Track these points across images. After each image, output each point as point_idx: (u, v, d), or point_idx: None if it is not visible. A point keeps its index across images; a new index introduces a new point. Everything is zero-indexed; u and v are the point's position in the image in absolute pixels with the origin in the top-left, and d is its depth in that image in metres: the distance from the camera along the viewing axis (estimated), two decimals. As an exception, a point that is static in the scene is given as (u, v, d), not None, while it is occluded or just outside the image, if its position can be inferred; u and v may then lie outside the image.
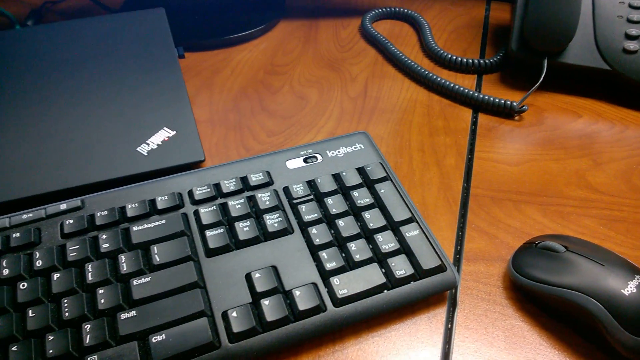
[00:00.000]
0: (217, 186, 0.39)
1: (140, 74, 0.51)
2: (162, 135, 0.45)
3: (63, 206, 0.37)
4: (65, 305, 0.32)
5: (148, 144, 0.44)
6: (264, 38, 0.63)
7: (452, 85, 0.53)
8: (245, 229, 0.36)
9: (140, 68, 0.51)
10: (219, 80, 0.56)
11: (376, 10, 0.66)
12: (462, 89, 0.52)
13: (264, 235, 0.36)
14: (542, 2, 0.50)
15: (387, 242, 0.36)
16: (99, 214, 0.36)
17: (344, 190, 0.39)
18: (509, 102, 0.50)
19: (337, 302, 0.33)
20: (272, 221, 0.37)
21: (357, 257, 0.35)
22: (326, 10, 0.69)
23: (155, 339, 0.30)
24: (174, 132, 0.45)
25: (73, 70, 0.51)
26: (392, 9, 0.66)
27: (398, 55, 0.57)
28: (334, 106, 0.53)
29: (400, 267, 0.34)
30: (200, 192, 0.38)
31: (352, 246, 0.35)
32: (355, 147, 0.42)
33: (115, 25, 0.57)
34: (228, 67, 0.58)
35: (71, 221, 0.36)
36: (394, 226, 0.37)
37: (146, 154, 0.44)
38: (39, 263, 0.34)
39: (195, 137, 0.45)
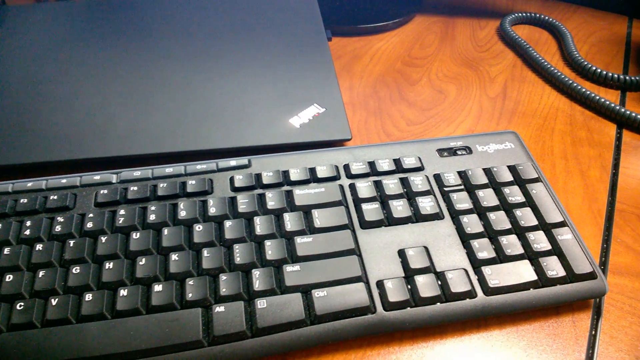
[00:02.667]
0: (371, 164, 0.40)
1: (292, 51, 0.53)
2: (313, 110, 0.48)
3: (232, 162, 0.40)
4: (237, 251, 0.35)
5: (300, 117, 0.47)
6: (401, 30, 0.65)
7: (598, 97, 0.52)
8: (398, 208, 0.38)
9: (292, 45, 0.54)
10: (358, 66, 0.58)
11: (516, 14, 0.66)
12: (608, 102, 0.51)
13: (416, 217, 0.38)
14: None
15: (539, 241, 0.36)
16: (265, 174, 0.39)
17: (494, 185, 0.40)
18: (660, 122, 0.49)
19: (488, 290, 0.34)
20: (424, 204, 0.38)
21: (509, 252, 0.35)
22: (463, 8, 0.69)
23: (317, 294, 0.33)
24: (324, 109, 0.48)
25: (220, 39, 0.55)
26: (534, 14, 0.65)
27: (540, 61, 0.57)
28: (473, 104, 0.53)
29: (552, 267, 0.35)
30: (356, 168, 0.40)
31: (504, 240, 0.36)
32: (505, 145, 0.43)
33: (264, 2, 0.60)
34: (367, 55, 0.60)
35: (241, 177, 0.39)
36: (545, 227, 0.37)
37: (298, 127, 0.46)
38: (212, 210, 0.37)
39: (343, 117, 0.47)
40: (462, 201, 0.38)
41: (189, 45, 0.53)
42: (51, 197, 0.37)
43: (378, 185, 0.39)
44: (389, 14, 0.65)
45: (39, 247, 0.35)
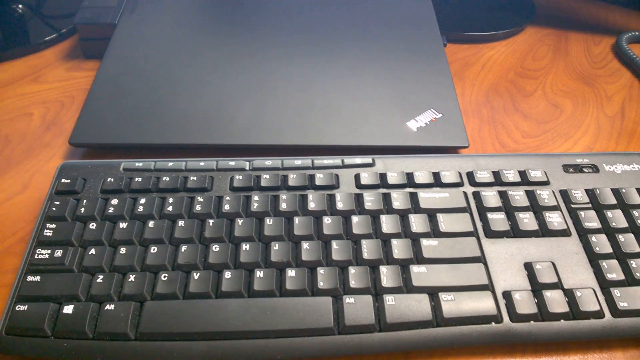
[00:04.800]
0: (495, 174, 0.41)
1: (409, 54, 0.54)
2: (430, 115, 0.48)
3: (358, 160, 0.41)
4: (364, 246, 0.36)
5: (417, 121, 0.47)
6: (512, 40, 0.64)
7: None
8: (525, 220, 0.37)
9: (408, 49, 0.55)
10: (470, 74, 0.58)
11: (634, 33, 0.63)
12: None
13: (542, 231, 0.37)
14: None
15: (673, 268, 0.35)
16: (390, 174, 0.40)
17: (622, 207, 0.39)
18: None
19: (616, 313, 0.33)
20: (552, 219, 0.38)
21: (639, 275, 0.35)
22: (575, 22, 0.67)
23: (445, 297, 0.33)
24: (440, 114, 0.48)
25: (339, 38, 0.56)
26: (655, 33, 0.63)
27: (664, 82, 0.55)
28: (590, 121, 0.52)
29: (688, 297, 0.34)
30: (480, 176, 0.40)
31: (633, 263, 0.35)
32: (632, 167, 0.42)
33: (380, 4, 0.61)
34: (478, 63, 0.60)
35: (366, 175, 0.40)
36: (679, 255, 0.36)
37: (415, 130, 0.47)
38: (340, 205, 0.38)
39: (460, 123, 0.47)
40: (590, 220, 0.38)
41: (311, 43, 0.55)
42: (191, 178, 0.40)
43: (503, 195, 0.39)
44: (500, 23, 0.64)
45: (181, 223, 0.37)
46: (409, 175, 0.40)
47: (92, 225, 0.37)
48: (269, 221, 0.37)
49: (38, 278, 0.34)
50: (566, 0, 0.72)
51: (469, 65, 0.59)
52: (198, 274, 0.34)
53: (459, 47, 0.62)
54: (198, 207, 0.38)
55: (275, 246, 0.36)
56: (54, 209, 0.38)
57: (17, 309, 0.33)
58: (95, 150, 0.47)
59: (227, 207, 0.38)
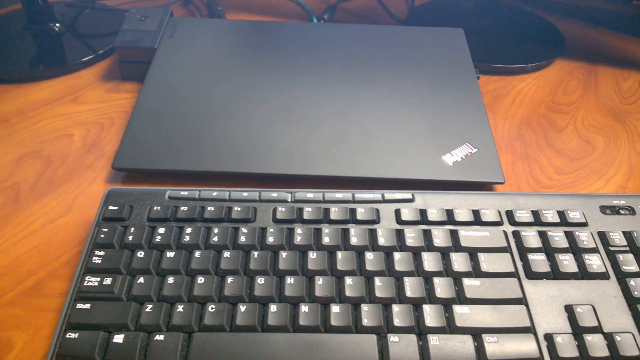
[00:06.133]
0: (534, 213, 0.41)
1: (442, 86, 0.55)
2: (465, 150, 0.49)
3: (397, 195, 0.42)
4: (407, 284, 0.36)
5: (452, 155, 0.48)
6: (542, 73, 0.64)
7: None
8: (565, 262, 0.38)
9: (442, 80, 0.56)
10: (501, 107, 0.59)
11: (664, 68, 0.64)
12: None
13: (581, 273, 0.38)
14: None
15: None
16: (430, 210, 0.41)
17: (661, 251, 0.39)
18: None
19: (658, 359, 0.34)
20: (591, 262, 0.38)
21: (680, 323, 0.35)
22: (604, 56, 0.68)
23: (488, 339, 0.34)
24: (476, 149, 0.49)
25: (374, 70, 0.57)
26: (685, 70, 0.63)
27: (696, 121, 0.55)
28: (622, 159, 0.52)
29: None
30: (520, 215, 0.41)
31: (673, 310, 0.36)
32: (670, 210, 0.42)
33: (413, 37, 0.62)
34: (509, 95, 0.60)
35: (407, 211, 0.41)
36: None
37: (451, 165, 0.47)
38: (382, 240, 0.39)
39: (495, 159, 0.48)
40: (628, 263, 0.38)
41: (346, 73, 0.56)
42: (235, 209, 0.40)
43: (542, 236, 0.40)
44: (530, 56, 0.65)
45: (226, 254, 0.38)
46: (449, 212, 0.41)
47: (140, 254, 0.37)
48: (312, 255, 0.38)
49: (88, 306, 0.35)
50: (595, 33, 0.73)
51: (500, 98, 0.60)
52: (244, 306, 0.35)
53: (489, 78, 0.63)
54: (243, 239, 0.39)
55: (319, 280, 0.36)
56: (102, 235, 0.39)
57: (67, 336, 0.34)
58: (136, 175, 0.48)
59: (270, 239, 0.39)
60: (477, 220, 0.41)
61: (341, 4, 0.78)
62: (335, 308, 0.35)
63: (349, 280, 0.36)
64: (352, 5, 0.78)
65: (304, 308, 0.35)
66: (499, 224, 0.40)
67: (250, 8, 0.77)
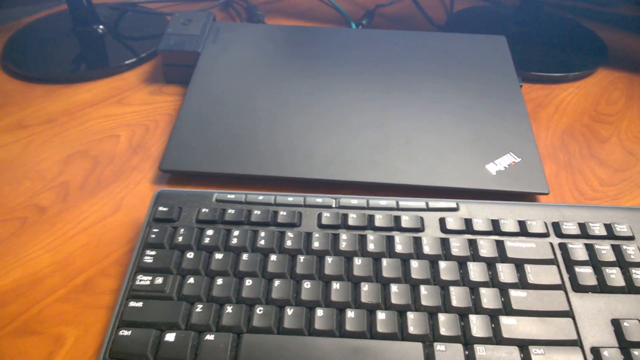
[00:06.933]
0: (581, 226, 0.41)
1: (484, 94, 0.55)
2: (508, 159, 0.48)
3: (442, 204, 0.42)
4: (453, 293, 0.36)
5: (496, 164, 0.48)
6: (584, 82, 0.64)
7: None
8: (612, 276, 0.38)
9: (484, 89, 0.56)
10: (544, 116, 0.58)
11: None
12: None
13: (628, 287, 0.37)
14: None
15: None
16: (475, 220, 0.41)
17: None
18: None
19: None
20: (638, 276, 0.38)
21: None
22: (648, 66, 0.67)
23: (535, 351, 0.34)
24: (519, 159, 0.48)
25: (414, 76, 0.57)
26: None
27: None
28: (668, 171, 0.51)
29: None
30: (567, 228, 0.40)
31: None
32: None
33: (454, 43, 0.62)
34: (552, 104, 0.60)
35: (451, 220, 0.41)
36: None
37: (494, 174, 0.47)
38: (426, 249, 0.39)
39: (540, 169, 0.48)
40: (678, 279, 0.38)
41: (388, 80, 0.56)
42: (281, 213, 0.41)
43: (589, 248, 0.39)
44: (572, 64, 0.64)
45: (273, 257, 0.38)
46: (495, 223, 0.41)
47: (190, 255, 0.38)
48: (357, 261, 0.38)
49: (140, 304, 0.36)
50: (638, 43, 0.71)
51: (543, 107, 0.59)
52: (292, 309, 0.36)
53: (530, 86, 0.62)
54: (289, 243, 0.39)
55: (365, 287, 0.37)
56: (153, 236, 0.40)
57: (120, 333, 0.35)
58: (181, 177, 0.49)
59: (316, 244, 0.39)
60: (523, 231, 0.40)
61: (379, 9, 0.78)
62: (381, 315, 0.35)
63: (394, 288, 0.37)
64: (390, 10, 0.79)
65: (350, 314, 0.35)
66: (545, 235, 0.40)
67: (288, 13, 0.78)
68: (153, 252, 0.39)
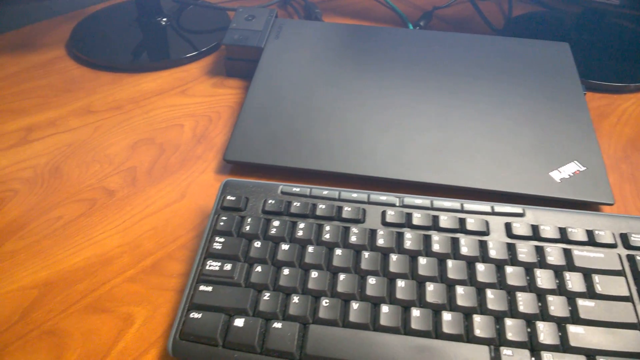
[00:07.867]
0: (650, 239, 0.40)
1: (547, 100, 0.54)
2: (573, 167, 0.48)
3: (508, 209, 0.42)
4: (520, 298, 0.36)
5: (560, 172, 0.47)
6: (648, 93, 0.62)
7: None
8: (682, 292, 0.37)
9: (547, 96, 0.55)
10: (606, 125, 0.57)
11: None
12: None
13: (700, 305, 0.37)
14: None
15: None
16: (542, 227, 0.40)
17: None
18: None
19: None
20: None
21: None
22: None
23: (604, 362, 0.33)
24: (584, 168, 0.48)
25: (474, 79, 0.57)
26: None
27: None
28: None
29: None
30: (635, 239, 0.40)
31: None
32: None
33: (515, 48, 0.61)
34: (614, 114, 0.59)
35: (518, 225, 0.40)
36: None
37: (559, 181, 0.47)
38: (493, 253, 0.39)
39: (605, 179, 0.47)
40: None
41: (449, 82, 0.56)
42: (345, 208, 0.42)
43: (658, 263, 0.39)
44: (634, 75, 0.63)
45: (338, 252, 0.39)
46: (562, 231, 0.40)
47: (257, 244, 0.39)
48: (422, 260, 0.38)
49: (210, 288, 0.37)
50: None
51: (605, 116, 0.58)
52: (357, 304, 0.36)
53: (591, 95, 0.61)
54: (353, 238, 0.40)
55: (430, 287, 0.37)
56: (221, 223, 0.41)
57: (191, 316, 0.36)
58: (243, 168, 0.51)
59: (381, 241, 0.40)
60: (591, 240, 0.40)
61: (436, 11, 0.78)
62: (446, 315, 0.35)
63: (460, 290, 0.37)
64: (448, 12, 0.78)
65: (415, 312, 0.36)
66: (613, 246, 0.40)
67: (345, 12, 0.79)
68: (222, 239, 0.40)
